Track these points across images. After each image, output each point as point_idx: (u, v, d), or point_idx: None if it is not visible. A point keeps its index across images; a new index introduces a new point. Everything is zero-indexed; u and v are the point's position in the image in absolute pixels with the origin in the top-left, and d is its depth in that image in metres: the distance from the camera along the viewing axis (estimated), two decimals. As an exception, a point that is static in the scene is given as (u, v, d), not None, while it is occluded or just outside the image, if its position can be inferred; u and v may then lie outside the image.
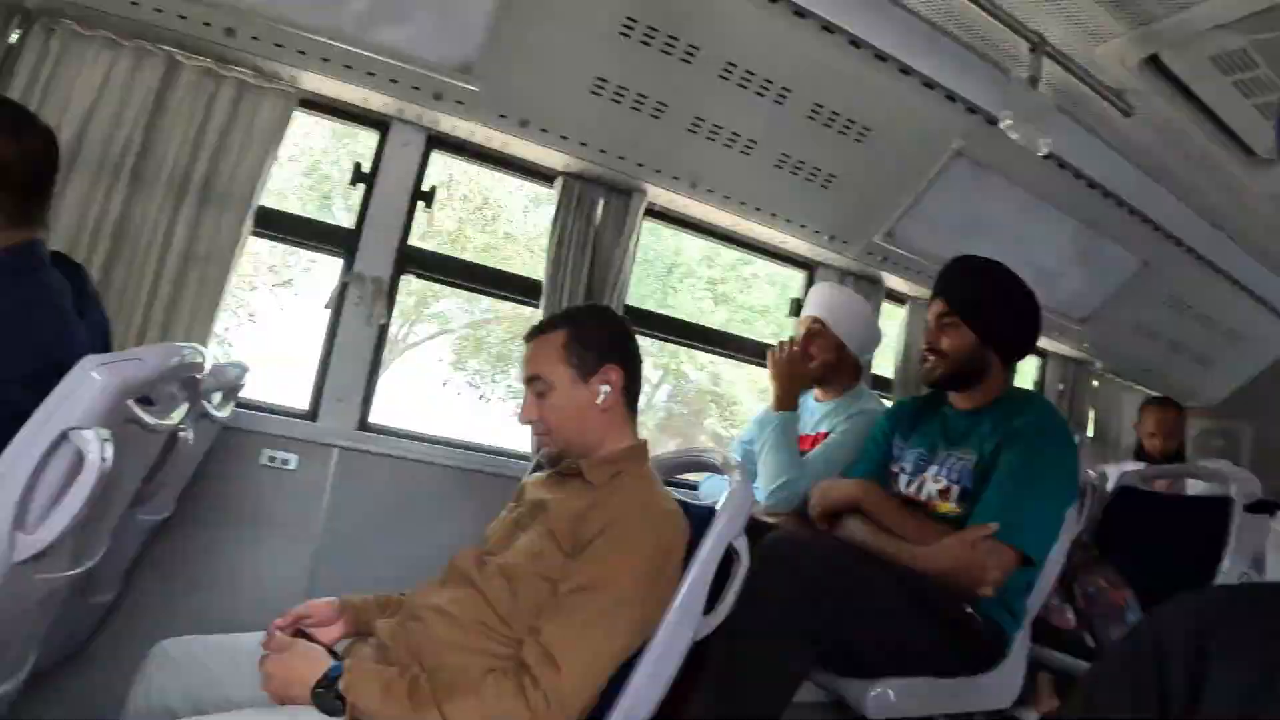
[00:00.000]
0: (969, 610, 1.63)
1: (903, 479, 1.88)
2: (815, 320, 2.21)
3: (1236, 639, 0.45)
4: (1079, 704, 0.49)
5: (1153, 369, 3.82)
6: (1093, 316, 3.36)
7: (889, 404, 2.25)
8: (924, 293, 2.87)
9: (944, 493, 1.79)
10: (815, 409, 2.26)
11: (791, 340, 2.18)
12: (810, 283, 2.80)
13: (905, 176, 2.39)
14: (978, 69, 2.05)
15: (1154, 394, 3.72)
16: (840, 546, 1.57)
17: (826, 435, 2.14)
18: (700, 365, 6.13)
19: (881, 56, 1.97)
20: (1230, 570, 2.29)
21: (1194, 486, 2.84)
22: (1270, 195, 2.62)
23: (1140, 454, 3.37)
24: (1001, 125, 1.85)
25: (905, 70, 2.02)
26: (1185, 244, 3.05)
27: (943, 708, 1.61)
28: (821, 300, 2.25)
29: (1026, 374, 3.70)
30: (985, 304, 1.82)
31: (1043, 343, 3.39)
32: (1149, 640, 0.47)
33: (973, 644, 1.65)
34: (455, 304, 5.67)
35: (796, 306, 2.86)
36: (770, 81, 1.99)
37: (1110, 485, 2.77)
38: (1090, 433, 3.80)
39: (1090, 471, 2.70)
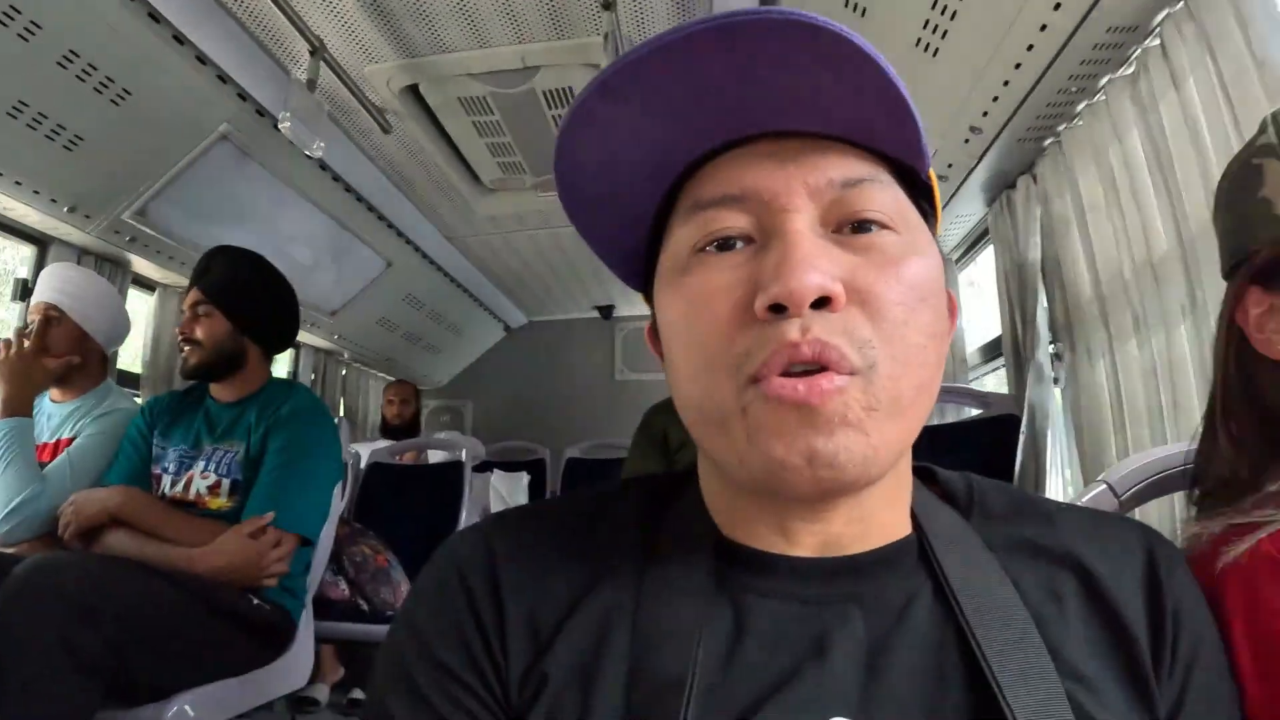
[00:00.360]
0: (255, 601, 1.64)
1: (167, 480, 1.79)
2: (52, 307, 1.89)
3: (516, 545, 0.53)
4: (404, 636, 0.51)
5: (393, 357, 4.31)
6: (342, 310, 3.63)
7: (140, 401, 2.08)
8: (176, 279, 2.70)
9: (214, 488, 1.76)
10: (54, 412, 1.95)
11: (22, 331, 1.82)
12: (42, 262, 2.36)
13: (165, 152, 2.20)
14: (258, 59, 2.03)
15: (392, 379, 4.26)
16: (107, 563, 1.40)
17: (70, 441, 1.86)
18: None
19: (156, 18, 1.78)
20: (466, 520, 2.74)
21: (435, 455, 3.30)
22: (489, 217, 3.22)
23: (385, 428, 3.81)
24: (280, 126, 1.88)
25: (180, 39, 1.87)
26: (423, 250, 3.54)
27: (247, 704, 1.58)
28: (58, 283, 1.93)
29: (281, 364, 3.78)
30: (242, 293, 1.83)
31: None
32: (449, 562, 0.53)
33: (262, 634, 1.66)
34: None
35: (24, 289, 2.38)
36: (17, 10, 1.61)
37: (363, 463, 3.05)
38: (342, 414, 4.12)
39: (348, 451, 2.94)
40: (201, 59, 1.97)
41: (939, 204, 0.54)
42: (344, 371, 4.13)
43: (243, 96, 2.16)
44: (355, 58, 2.07)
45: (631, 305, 4.74)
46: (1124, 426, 1.72)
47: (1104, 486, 0.90)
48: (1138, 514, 0.99)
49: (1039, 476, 2.05)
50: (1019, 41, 1.63)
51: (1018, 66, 1.70)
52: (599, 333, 4.91)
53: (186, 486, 1.75)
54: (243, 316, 1.82)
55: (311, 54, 1.92)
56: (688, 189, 0.50)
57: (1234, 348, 0.70)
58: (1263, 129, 0.68)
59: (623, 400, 4.74)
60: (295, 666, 1.75)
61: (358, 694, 3.09)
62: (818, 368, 0.43)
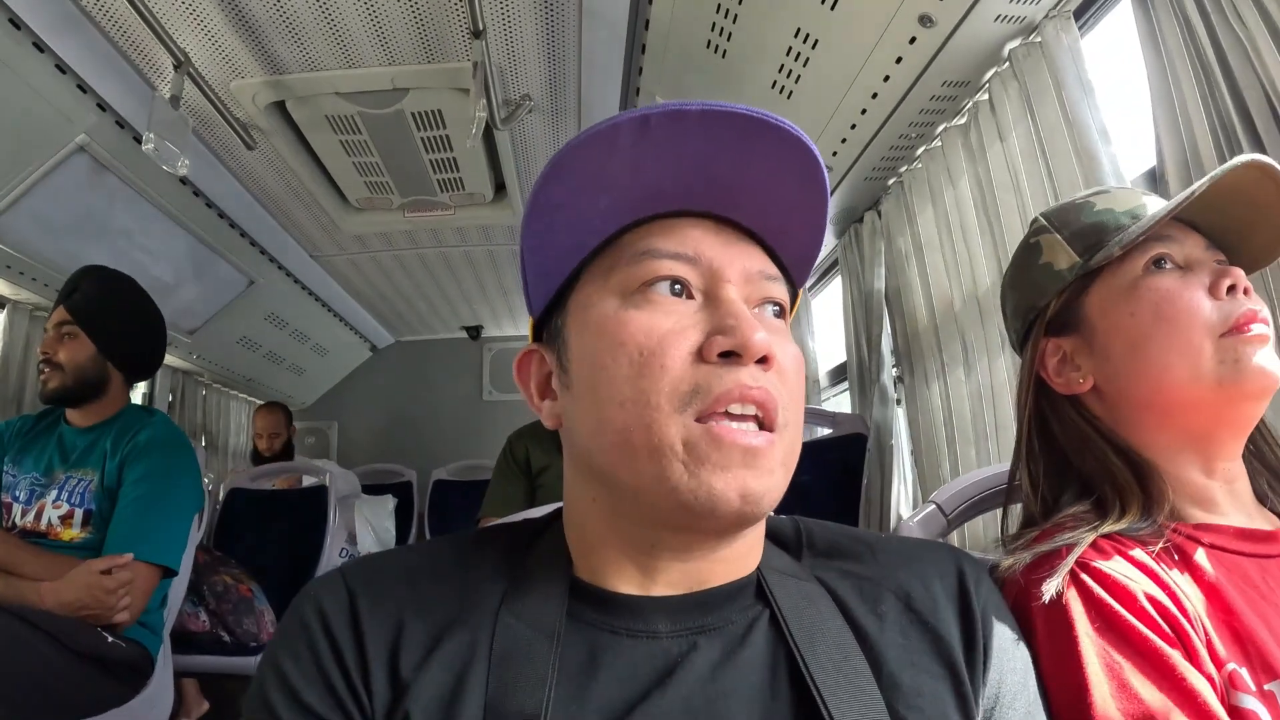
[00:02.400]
0: (110, 639, 1.51)
1: (18, 509, 1.65)
2: None
3: (377, 590, 0.54)
4: (270, 681, 0.51)
5: (255, 378, 4.07)
6: (202, 329, 3.40)
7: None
8: (28, 296, 2.47)
9: (66, 518, 1.63)
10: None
11: None
12: None
13: (17, 163, 2.01)
14: (121, 70, 1.88)
15: (258, 401, 3.99)
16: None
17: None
18: None
19: (17, 24, 1.64)
20: (331, 546, 2.62)
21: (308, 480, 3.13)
22: (355, 236, 3.11)
23: (256, 456, 3.58)
24: (145, 146, 1.76)
25: (40, 47, 1.73)
26: (287, 268, 3.36)
27: (102, 748, 1.44)
28: None
29: (137, 385, 3.50)
30: (110, 316, 1.73)
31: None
32: (312, 606, 0.53)
33: (119, 672, 1.54)
34: None
35: None
36: None
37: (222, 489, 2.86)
38: (203, 441, 3.84)
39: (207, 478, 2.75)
40: (61, 68, 1.81)
41: (796, 310, 0.64)
42: (204, 393, 3.86)
43: (102, 107, 2.00)
44: (221, 72, 1.96)
45: (499, 326, 4.67)
46: (954, 444, 1.86)
47: (934, 507, 1.03)
48: (965, 528, 1.09)
49: (884, 488, 2.18)
50: (865, 89, 1.75)
51: (864, 112, 1.82)
52: (467, 353, 4.82)
53: (38, 516, 1.62)
54: (108, 340, 1.71)
55: (176, 68, 1.80)
56: (637, 237, 0.55)
57: (1034, 399, 0.83)
58: (1035, 222, 0.85)
59: (491, 421, 4.66)
60: (155, 703, 1.63)
61: (219, 730, 2.89)
62: (751, 414, 0.50)
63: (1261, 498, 0.77)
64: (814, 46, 1.69)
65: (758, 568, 0.57)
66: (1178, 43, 1.15)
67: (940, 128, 1.86)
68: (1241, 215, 0.74)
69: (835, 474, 2.13)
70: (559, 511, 0.62)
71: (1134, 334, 0.74)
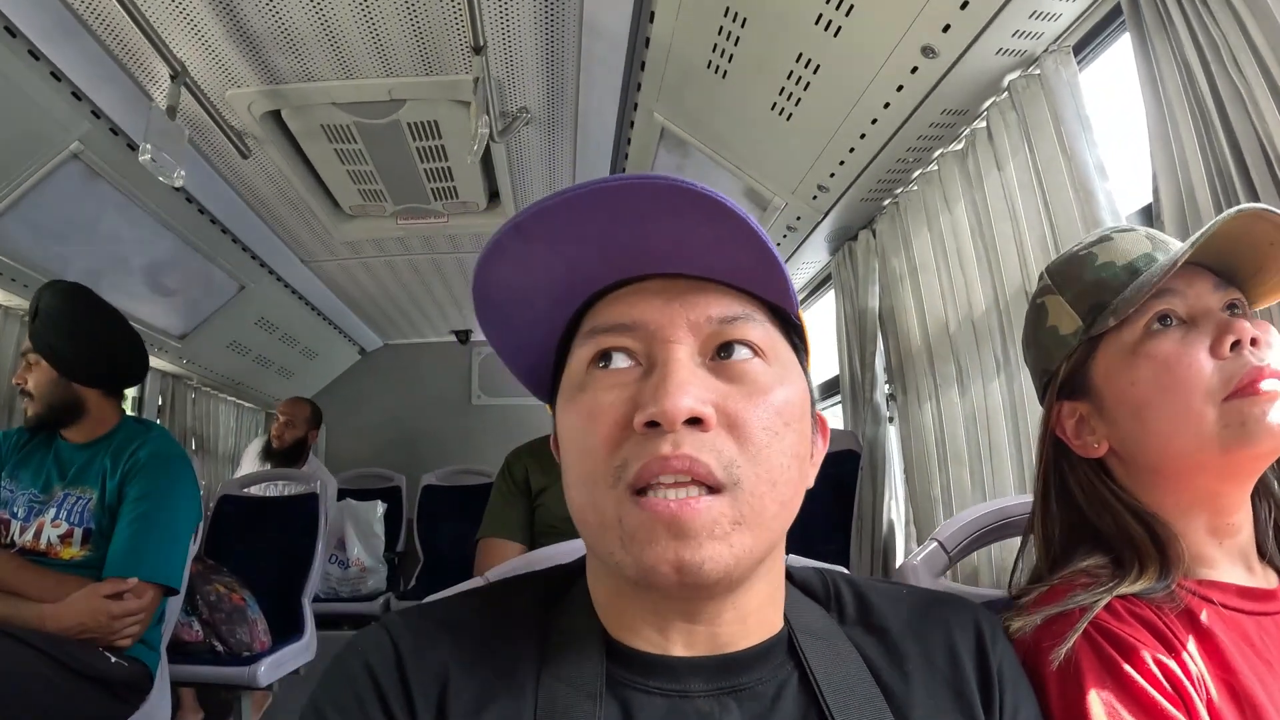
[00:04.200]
0: (113, 659, 1.50)
1: (15, 526, 1.62)
2: None
3: (420, 644, 0.54)
4: None
5: (244, 381, 4.03)
6: (192, 334, 3.37)
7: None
8: (19, 302, 2.43)
9: (65, 537, 1.61)
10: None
11: None
12: None
13: (10, 168, 1.98)
14: (116, 78, 1.86)
15: (248, 404, 3.95)
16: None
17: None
18: None
19: (13, 32, 1.62)
20: (323, 553, 2.59)
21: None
22: (347, 242, 3.09)
23: (268, 450, 3.52)
24: (141, 158, 1.73)
25: (36, 54, 1.70)
26: (278, 274, 3.34)
27: (104, 766, 1.43)
28: None
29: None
30: (66, 338, 1.67)
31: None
32: (357, 659, 0.53)
33: (120, 690, 1.52)
34: None
35: None
36: None
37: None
38: (192, 444, 3.80)
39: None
40: (56, 75, 1.79)
41: (808, 341, 0.61)
42: (193, 396, 3.81)
43: (96, 114, 1.97)
44: (217, 81, 1.94)
45: (490, 331, 4.66)
46: (947, 465, 1.87)
47: (935, 544, 1.04)
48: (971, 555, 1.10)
49: (876, 505, 2.19)
50: (865, 115, 1.75)
51: (863, 136, 1.83)
52: (456, 357, 4.79)
53: (37, 535, 1.60)
54: (67, 364, 1.67)
55: (173, 78, 1.78)
56: (588, 317, 0.56)
57: (1052, 459, 0.82)
58: (1041, 278, 0.84)
59: (480, 425, 4.64)
60: (152, 718, 1.61)
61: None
62: (688, 480, 0.48)
63: (1262, 548, 0.77)
64: (815, 71, 1.70)
65: (787, 623, 0.58)
66: (1177, 87, 1.16)
67: (937, 153, 1.87)
68: (1247, 258, 0.73)
69: (828, 490, 2.14)
70: (583, 562, 0.62)
71: (1136, 402, 0.73)
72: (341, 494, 3.80)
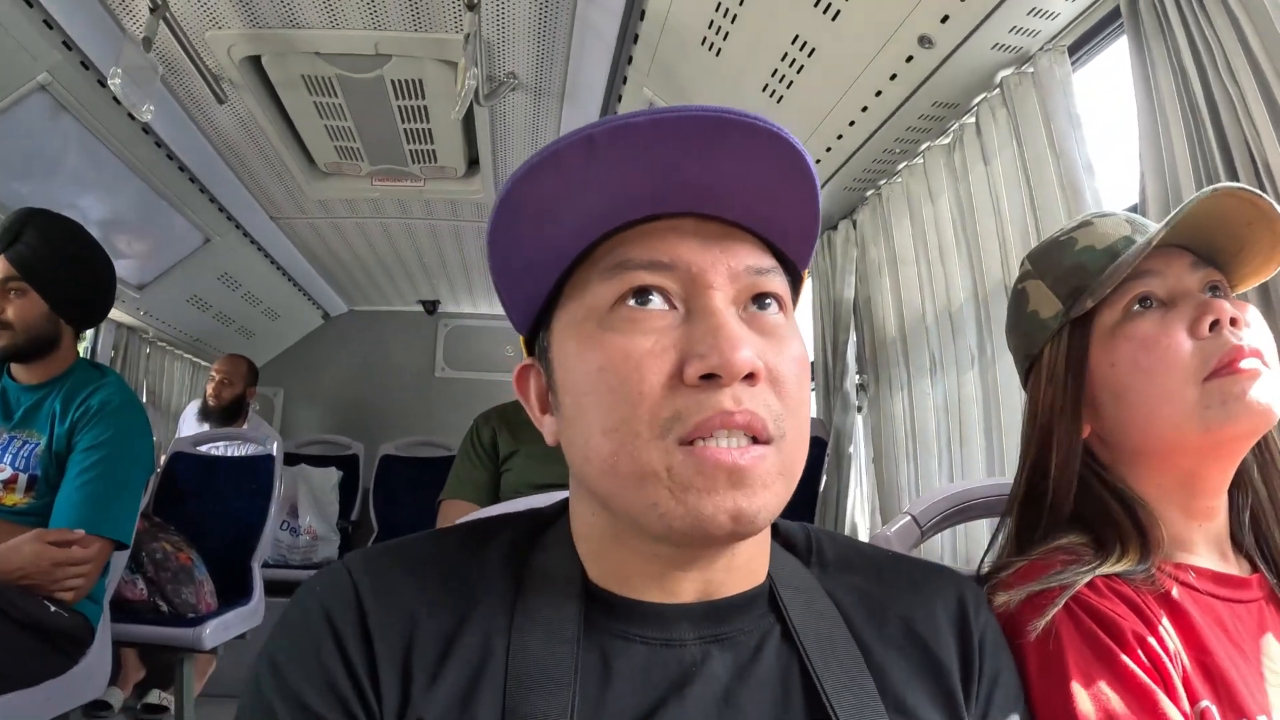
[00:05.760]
0: (53, 609, 1.45)
1: None
2: None
3: (383, 586, 0.52)
4: (269, 682, 0.49)
5: (202, 338, 3.94)
6: (152, 285, 3.27)
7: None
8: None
9: (9, 483, 1.56)
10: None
11: None
12: None
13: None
14: (90, 7, 1.78)
15: (204, 362, 3.85)
16: None
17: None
18: None
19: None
20: (275, 517, 2.55)
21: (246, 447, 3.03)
22: (320, 201, 3.02)
23: (205, 409, 3.43)
24: (110, 83, 1.67)
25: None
26: (245, 229, 3.25)
27: (42, 717, 1.38)
28: None
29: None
30: (62, 269, 1.61)
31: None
32: (315, 603, 0.51)
33: (59, 642, 1.48)
34: None
35: None
36: None
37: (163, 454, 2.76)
38: (145, 401, 3.70)
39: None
40: (29, 0, 1.71)
41: (800, 297, 0.61)
42: (148, 351, 3.70)
43: (68, 45, 1.88)
44: (198, 20, 1.88)
45: (457, 302, 4.59)
46: (916, 455, 1.89)
47: (909, 518, 1.04)
48: (937, 539, 1.11)
49: (840, 493, 2.21)
50: (856, 102, 1.76)
51: (852, 124, 1.83)
52: (422, 327, 4.71)
53: (-20, 478, 1.52)
54: (60, 297, 1.60)
55: (152, 11, 1.71)
56: (610, 248, 0.52)
57: (1037, 443, 0.81)
58: (1022, 264, 0.84)
59: (443, 398, 4.58)
60: (92, 674, 1.57)
61: (154, 698, 2.79)
62: (741, 434, 0.47)
63: (1236, 538, 0.78)
64: (810, 55, 1.70)
65: (769, 577, 0.57)
66: (1171, 91, 1.18)
67: (924, 145, 1.88)
68: (1228, 239, 0.74)
69: (794, 476, 2.15)
70: (565, 505, 0.60)
71: (1116, 384, 0.74)
72: (296, 459, 3.73)
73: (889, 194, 2.07)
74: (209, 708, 2.35)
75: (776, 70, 1.80)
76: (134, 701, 2.79)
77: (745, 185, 0.50)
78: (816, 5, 1.57)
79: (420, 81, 2.20)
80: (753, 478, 0.47)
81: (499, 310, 4.86)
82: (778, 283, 0.53)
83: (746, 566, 0.55)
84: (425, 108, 2.33)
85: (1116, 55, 1.43)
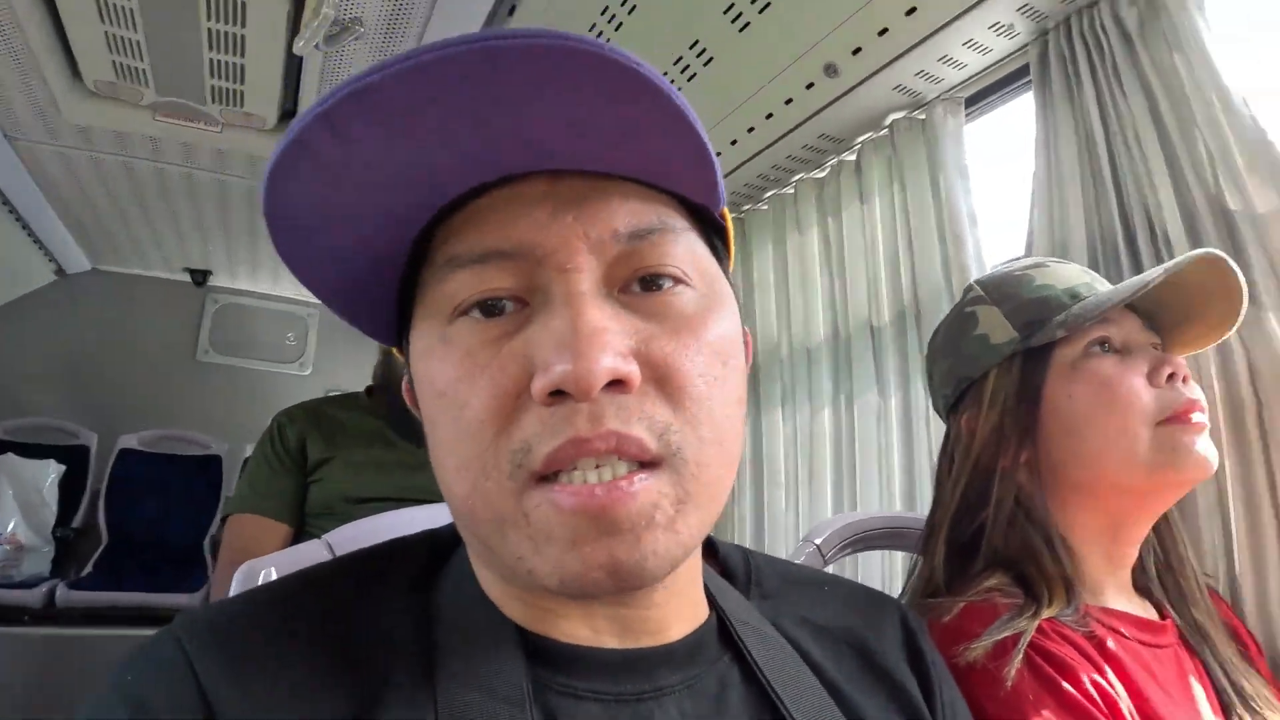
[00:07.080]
0: None
1: None
2: None
3: (240, 672, 0.38)
4: None
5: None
6: None
7: None
8: None
9: None
10: None
11: None
12: None
13: None
14: None
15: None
16: None
17: None
18: None
19: None
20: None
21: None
22: (79, 126, 2.51)
23: None
24: None
25: None
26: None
27: None
28: None
29: None
30: None
31: None
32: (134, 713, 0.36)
33: None
34: None
35: None
36: None
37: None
38: None
39: None
40: None
41: (732, 243, 0.49)
42: None
43: None
44: None
45: (234, 276, 4.00)
46: (761, 486, 1.86)
47: (813, 547, 1.03)
48: (832, 568, 1.07)
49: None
50: (742, 122, 1.71)
51: (733, 143, 1.79)
52: (185, 301, 4.02)
53: None
54: None
55: None
56: (442, 237, 0.41)
57: (968, 472, 0.82)
58: (970, 290, 0.87)
59: (205, 387, 3.93)
60: None
61: None
62: (616, 460, 0.36)
63: (1138, 583, 0.82)
64: (706, 64, 1.62)
65: (716, 609, 0.49)
66: (1072, 153, 1.23)
67: (798, 175, 1.88)
68: (1181, 305, 0.79)
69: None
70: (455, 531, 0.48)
71: (1072, 416, 0.76)
72: (1, 447, 3.04)
73: (751, 220, 2.06)
74: None
75: (666, 74, 1.71)
76: None
77: (583, 130, 0.37)
78: (727, 13, 1.50)
79: (244, 4, 1.87)
80: (629, 518, 0.36)
81: (284, 291, 4.38)
82: (672, 245, 0.41)
83: (687, 594, 0.47)
84: (243, 37, 1.99)
85: (1013, 111, 1.49)
